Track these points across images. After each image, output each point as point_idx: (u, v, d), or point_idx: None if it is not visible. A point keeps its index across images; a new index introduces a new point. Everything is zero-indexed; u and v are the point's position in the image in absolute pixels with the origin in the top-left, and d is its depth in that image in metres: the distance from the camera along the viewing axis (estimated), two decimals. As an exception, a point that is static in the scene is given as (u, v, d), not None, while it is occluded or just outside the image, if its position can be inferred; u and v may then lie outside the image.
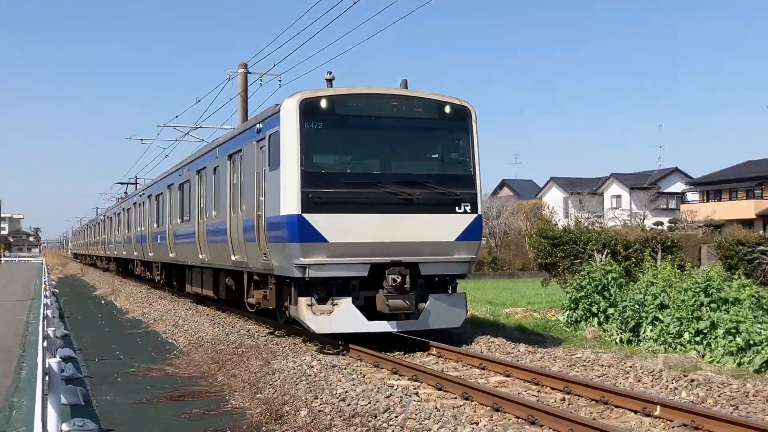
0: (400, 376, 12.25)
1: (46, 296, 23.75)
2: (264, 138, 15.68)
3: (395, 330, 14.77)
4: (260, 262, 16.14)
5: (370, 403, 9.71)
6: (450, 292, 15.85)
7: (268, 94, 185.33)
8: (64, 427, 8.93)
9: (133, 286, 39.29)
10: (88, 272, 65.02)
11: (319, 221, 14.09)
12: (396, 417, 8.97)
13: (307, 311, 14.32)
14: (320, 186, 14.30)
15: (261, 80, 36.37)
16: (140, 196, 38.47)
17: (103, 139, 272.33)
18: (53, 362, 9.40)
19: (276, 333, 17.74)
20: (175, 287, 30.85)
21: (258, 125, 16.13)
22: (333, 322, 14.38)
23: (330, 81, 15.55)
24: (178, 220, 27.04)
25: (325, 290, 14.53)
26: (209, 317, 21.54)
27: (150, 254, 33.70)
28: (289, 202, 14.14)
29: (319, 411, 9.71)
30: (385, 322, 14.65)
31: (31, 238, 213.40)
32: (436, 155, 16.16)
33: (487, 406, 9.89)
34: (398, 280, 14.21)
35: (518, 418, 9.25)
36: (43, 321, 14.86)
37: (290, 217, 14.08)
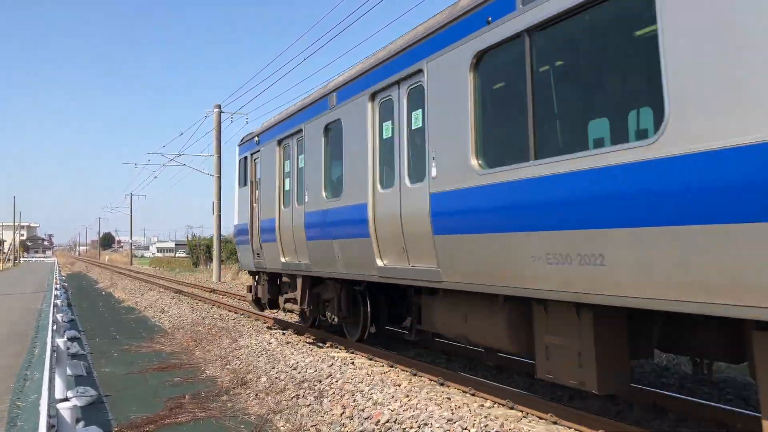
0: (341, 349, 12.18)
1: (56, 289, 23.02)
2: None
3: None
4: None
5: (316, 371, 9.63)
6: None
7: (238, 128, 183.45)
8: (69, 393, 8.67)
9: (128, 280, 38.30)
10: (92, 269, 63.15)
11: None
12: (336, 381, 8.92)
13: None
14: None
15: (232, 118, 36.17)
16: None
17: (104, 162, 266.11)
18: (60, 342, 9.14)
19: (242, 317, 17.48)
20: None
21: None
22: None
23: None
24: None
25: None
26: (189, 305, 21.13)
27: None
28: None
29: (276, 378, 9.60)
30: None
31: (45, 243, 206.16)
32: None
33: (407, 371, 9.90)
34: None
35: (431, 380, 9.28)
36: (53, 309, 14.39)
37: None
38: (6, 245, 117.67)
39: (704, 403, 7.24)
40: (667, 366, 9.73)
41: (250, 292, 15.36)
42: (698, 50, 4.66)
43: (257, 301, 15.02)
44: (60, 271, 55.34)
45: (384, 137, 9.21)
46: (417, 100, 8.35)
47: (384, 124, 9.21)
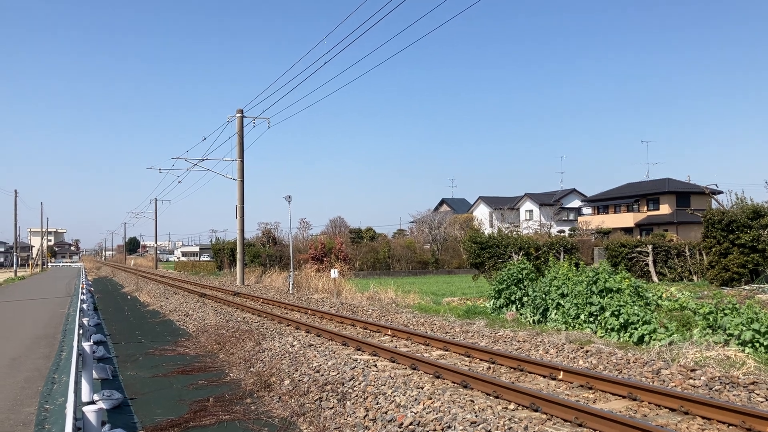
0: (363, 352, 12.17)
1: (83, 293, 23.29)
2: None
3: None
4: None
5: (339, 373, 9.63)
6: None
7: (260, 133, 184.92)
8: (95, 396, 8.76)
9: (153, 284, 38.64)
10: (118, 274, 63.87)
11: None
12: (359, 384, 8.91)
13: None
14: None
15: (254, 122, 36.36)
16: None
17: (128, 167, 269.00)
18: (86, 346, 9.23)
19: (265, 320, 17.54)
20: None
21: None
22: None
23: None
24: None
25: None
26: (213, 309, 21.26)
27: None
28: None
29: (299, 380, 9.61)
30: None
31: (72, 248, 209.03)
32: None
33: (430, 374, 9.86)
34: None
35: (454, 382, 9.23)
36: (80, 313, 14.56)
37: None
38: (34, 251, 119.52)
39: (733, 406, 7.11)
40: (694, 367, 9.57)
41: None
42: None
43: None
44: (86, 275, 56.07)
45: None
46: None
47: None
